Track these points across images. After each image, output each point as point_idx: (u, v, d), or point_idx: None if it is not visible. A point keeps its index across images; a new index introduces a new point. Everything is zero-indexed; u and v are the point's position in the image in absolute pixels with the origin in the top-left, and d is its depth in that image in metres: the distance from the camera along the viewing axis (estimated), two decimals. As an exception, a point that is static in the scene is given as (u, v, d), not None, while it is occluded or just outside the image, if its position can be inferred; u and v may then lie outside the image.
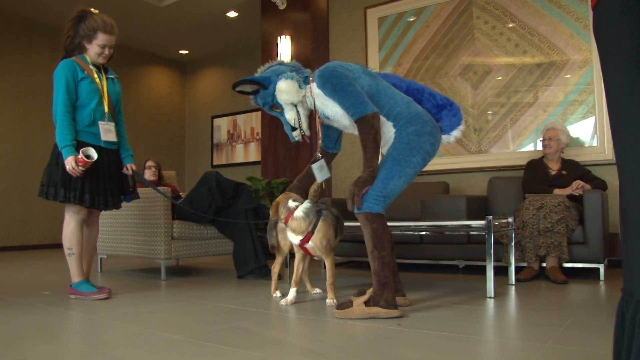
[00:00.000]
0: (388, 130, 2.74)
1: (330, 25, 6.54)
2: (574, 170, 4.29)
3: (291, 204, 2.89)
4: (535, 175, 4.36)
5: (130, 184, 3.55)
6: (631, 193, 1.00)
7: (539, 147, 4.83)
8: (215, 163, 9.60)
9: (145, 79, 9.65)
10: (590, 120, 4.78)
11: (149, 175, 4.90)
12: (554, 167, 4.37)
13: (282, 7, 6.60)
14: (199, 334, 2.26)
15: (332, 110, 2.79)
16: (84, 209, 3.29)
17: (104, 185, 3.31)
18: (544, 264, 3.88)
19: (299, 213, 2.85)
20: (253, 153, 9.07)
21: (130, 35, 8.67)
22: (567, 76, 4.90)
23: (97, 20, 3.26)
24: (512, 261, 3.65)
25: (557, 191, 4.13)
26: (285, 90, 2.78)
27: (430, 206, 4.37)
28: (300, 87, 2.82)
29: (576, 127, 4.83)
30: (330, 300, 2.94)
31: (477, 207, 4.51)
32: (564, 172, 4.29)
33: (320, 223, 2.84)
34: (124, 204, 3.64)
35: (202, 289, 3.68)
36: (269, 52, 6.70)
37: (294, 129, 2.89)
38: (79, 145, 3.15)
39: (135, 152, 3.66)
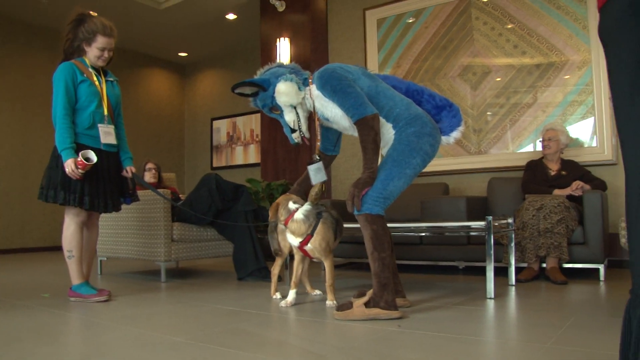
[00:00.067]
0: (387, 132, 2.75)
1: (329, 27, 6.55)
2: (573, 170, 4.29)
3: (291, 205, 2.89)
4: (535, 176, 4.37)
5: (130, 186, 3.55)
6: (637, 194, 1.00)
7: (539, 147, 4.83)
8: (214, 165, 9.60)
9: (144, 81, 9.65)
10: (590, 121, 4.78)
11: (149, 177, 4.90)
12: (553, 167, 4.37)
13: (281, 9, 6.61)
14: (199, 336, 2.26)
15: (332, 112, 2.79)
16: (84, 212, 3.29)
17: (104, 188, 3.31)
18: (544, 265, 3.88)
19: (299, 215, 2.85)
20: (252, 155, 9.07)
21: (130, 38, 8.67)
22: (566, 77, 4.90)
23: (96, 23, 3.26)
24: (512, 262, 3.65)
25: (556, 192, 4.13)
26: (284, 92, 2.78)
27: (430, 207, 4.37)
28: (299, 89, 2.82)
29: (575, 128, 4.84)
30: (330, 302, 2.94)
31: (477, 208, 4.51)
32: (563, 172, 4.29)
33: (319, 225, 2.84)
34: (123, 206, 3.64)
35: (202, 291, 3.67)
36: (268, 54, 6.70)
37: (293, 130, 2.89)
38: (78, 147, 3.15)
39: (134, 154, 3.66)
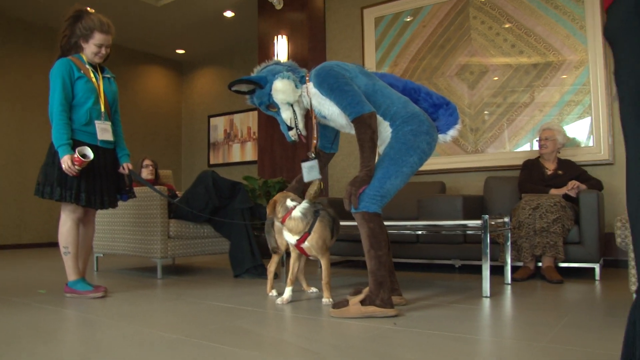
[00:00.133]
0: (385, 130, 2.75)
1: (327, 25, 6.55)
2: (570, 170, 4.30)
3: (289, 203, 2.89)
4: (531, 175, 4.37)
5: (127, 183, 3.55)
6: (638, 194, 1.00)
7: (535, 147, 4.84)
8: (211, 162, 9.59)
9: (142, 78, 9.63)
10: (587, 121, 4.79)
11: (146, 174, 4.90)
12: (550, 167, 4.38)
13: (278, 7, 6.60)
14: (195, 333, 2.26)
15: (329, 110, 2.79)
16: (80, 208, 3.29)
17: (100, 185, 3.31)
18: (540, 264, 3.89)
19: (296, 213, 2.85)
20: (250, 152, 9.06)
21: (127, 35, 8.65)
22: (564, 76, 4.91)
23: (93, 19, 3.25)
24: (508, 261, 3.66)
25: (553, 191, 4.14)
26: (281, 89, 2.78)
27: (427, 206, 4.38)
28: (296, 86, 2.82)
29: (572, 128, 4.85)
30: (326, 300, 2.94)
31: (474, 206, 4.52)
32: (560, 172, 4.30)
33: (317, 224, 2.85)
34: (120, 203, 3.64)
35: (198, 288, 3.67)
36: (266, 51, 6.70)
37: (290, 128, 2.90)
38: (75, 144, 3.15)
39: (131, 151, 3.65)
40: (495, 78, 5.25)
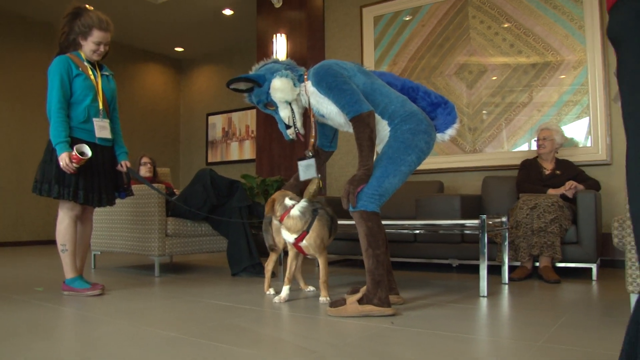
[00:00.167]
0: (383, 129, 2.75)
1: (326, 24, 6.54)
2: (568, 170, 4.30)
3: (288, 202, 2.89)
4: (529, 175, 4.38)
5: (125, 180, 3.54)
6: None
7: (534, 147, 4.84)
8: (210, 160, 9.59)
9: (140, 76, 9.62)
10: (585, 121, 4.80)
11: (144, 171, 4.89)
12: (548, 167, 4.39)
13: (277, 5, 6.60)
14: (193, 331, 2.26)
15: (327, 109, 2.79)
16: (78, 206, 3.28)
17: (98, 182, 3.30)
18: (537, 264, 3.90)
19: (295, 212, 2.85)
20: (248, 151, 9.06)
21: (126, 32, 8.64)
22: (562, 76, 4.91)
23: (92, 17, 3.24)
24: (506, 260, 3.66)
25: (550, 191, 4.15)
26: (279, 88, 2.78)
27: (425, 205, 4.38)
28: (294, 85, 2.82)
29: (570, 128, 4.85)
30: (323, 298, 2.94)
31: (471, 206, 4.53)
32: (558, 172, 4.31)
33: (315, 222, 2.85)
34: (118, 200, 3.63)
35: (195, 286, 3.67)
36: (265, 50, 6.70)
37: (288, 127, 2.90)
38: (73, 141, 3.14)
39: (130, 149, 3.65)
40: (494, 77, 5.26)
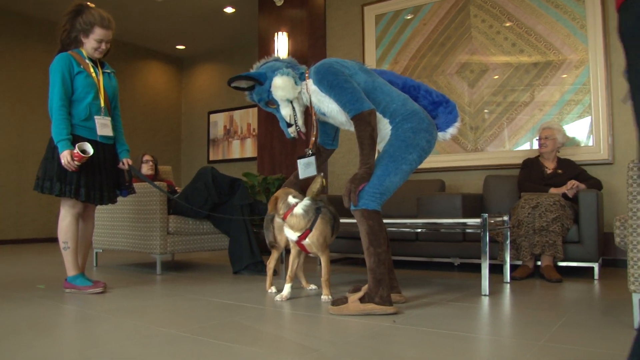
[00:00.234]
0: (384, 127, 2.75)
1: (327, 22, 6.54)
2: (569, 169, 4.30)
3: (291, 200, 2.89)
4: (531, 174, 4.37)
5: (127, 178, 3.54)
6: None
7: (535, 146, 4.84)
8: (211, 159, 9.59)
9: (141, 74, 9.62)
10: (586, 120, 4.79)
11: (146, 169, 4.89)
12: (549, 166, 4.38)
13: (279, 3, 6.59)
14: (194, 328, 2.27)
15: (328, 107, 2.79)
16: (80, 203, 3.28)
17: (100, 180, 3.30)
18: (539, 263, 3.89)
19: (298, 210, 2.85)
20: (249, 149, 9.06)
21: (127, 30, 8.64)
22: (564, 76, 4.91)
23: (94, 14, 3.24)
24: (507, 259, 3.66)
25: (552, 190, 4.14)
26: (280, 86, 2.78)
27: (426, 204, 4.38)
28: (296, 83, 2.82)
29: (572, 127, 4.85)
30: (325, 297, 2.94)
31: (473, 205, 4.52)
32: (559, 171, 4.30)
33: (318, 221, 2.84)
34: (119, 198, 3.64)
35: (197, 284, 3.68)
36: (266, 48, 6.69)
37: (289, 125, 2.89)
38: (75, 139, 3.15)
39: (131, 147, 3.65)
40: (496, 77, 5.25)
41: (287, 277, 3.05)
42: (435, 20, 5.64)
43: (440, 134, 2.88)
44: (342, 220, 3.27)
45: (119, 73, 3.84)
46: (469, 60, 5.41)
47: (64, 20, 3.29)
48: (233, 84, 2.88)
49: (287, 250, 3.23)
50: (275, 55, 5.62)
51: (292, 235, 2.90)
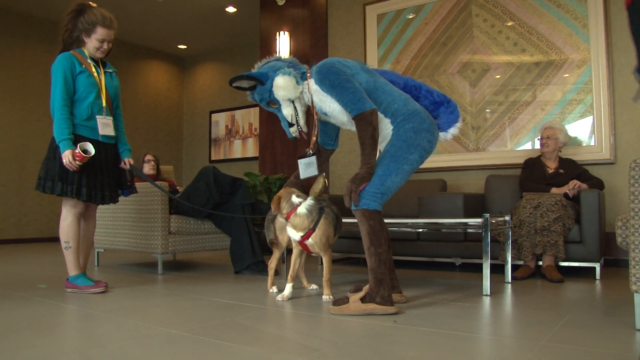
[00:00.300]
0: (385, 127, 2.75)
1: (329, 22, 6.54)
2: (571, 169, 4.29)
3: (295, 199, 2.88)
4: (532, 174, 4.37)
5: (128, 178, 3.55)
6: None
7: (537, 145, 4.84)
8: (213, 158, 9.60)
9: (143, 73, 9.63)
10: (588, 120, 4.78)
11: (147, 169, 4.89)
12: (551, 165, 4.38)
13: (281, 2, 6.59)
14: (195, 328, 2.27)
15: (330, 107, 2.79)
16: (81, 203, 3.29)
17: (102, 180, 3.31)
18: (541, 263, 3.89)
19: (302, 210, 2.84)
20: (251, 149, 9.07)
21: (129, 30, 8.65)
22: (566, 75, 4.90)
23: (96, 14, 3.24)
24: (509, 259, 3.66)
25: (554, 190, 4.14)
26: (282, 86, 2.77)
27: (428, 203, 4.37)
28: (297, 83, 2.81)
29: (574, 126, 4.84)
30: (326, 297, 2.94)
31: (475, 204, 4.52)
32: (561, 170, 4.30)
33: (321, 221, 2.84)
34: (121, 198, 3.64)
35: (198, 283, 3.68)
36: (268, 47, 6.69)
37: (291, 125, 2.89)
38: (76, 139, 3.15)
39: (133, 146, 3.65)
40: (497, 76, 5.24)
41: (289, 277, 3.05)
42: (437, 19, 5.63)
43: (441, 134, 2.88)
44: (343, 220, 3.27)
45: (120, 73, 3.84)
46: (470, 59, 5.40)
47: (66, 19, 3.29)
48: (234, 84, 2.88)
49: (289, 250, 3.23)
50: (277, 54, 5.62)
51: (295, 235, 2.90)
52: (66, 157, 3.05)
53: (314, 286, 3.35)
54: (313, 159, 2.99)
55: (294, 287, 3.05)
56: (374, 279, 2.55)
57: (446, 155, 5.49)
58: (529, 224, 3.83)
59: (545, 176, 4.32)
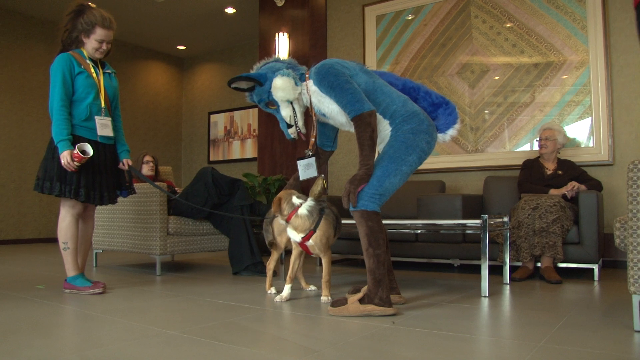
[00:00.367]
0: (384, 129, 2.75)
1: (328, 23, 6.54)
2: (569, 170, 4.30)
3: (295, 201, 2.88)
4: (531, 175, 4.37)
5: (127, 179, 3.55)
6: None
7: (535, 147, 4.84)
8: (211, 159, 9.59)
9: (142, 74, 9.62)
10: (587, 121, 4.79)
11: (146, 170, 4.89)
12: (550, 167, 4.38)
13: (280, 3, 6.60)
14: (193, 329, 2.26)
15: (329, 108, 2.78)
16: (80, 204, 3.29)
17: (100, 180, 3.30)
18: (539, 264, 3.89)
19: (303, 211, 2.84)
20: (250, 149, 9.06)
21: (128, 30, 8.64)
22: (564, 77, 4.91)
23: (95, 14, 3.24)
24: (507, 260, 3.66)
25: (552, 191, 4.14)
26: (281, 87, 2.77)
27: (426, 205, 4.38)
28: (296, 84, 2.81)
29: (572, 128, 4.84)
30: (325, 298, 2.94)
31: (473, 206, 4.52)
32: (559, 172, 4.30)
33: (322, 222, 2.84)
34: (120, 199, 3.64)
35: (197, 284, 3.68)
36: (267, 48, 6.69)
37: (289, 126, 2.89)
38: (75, 139, 3.15)
39: (131, 147, 3.66)
40: (496, 77, 5.25)
41: (287, 278, 3.04)
42: (435, 21, 5.64)
43: (440, 136, 2.88)
44: (342, 222, 3.27)
45: (119, 73, 3.84)
46: (469, 61, 5.41)
47: (65, 20, 3.29)
48: (233, 85, 2.88)
49: (287, 251, 3.23)
50: (276, 56, 5.64)
51: (295, 236, 2.89)
52: (64, 157, 3.05)
53: (312, 287, 3.35)
54: (312, 160, 2.99)
55: (292, 288, 3.05)
56: (373, 280, 2.55)
57: (445, 156, 5.49)
58: (527, 225, 3.83)
59: (544, 177, 4.32)
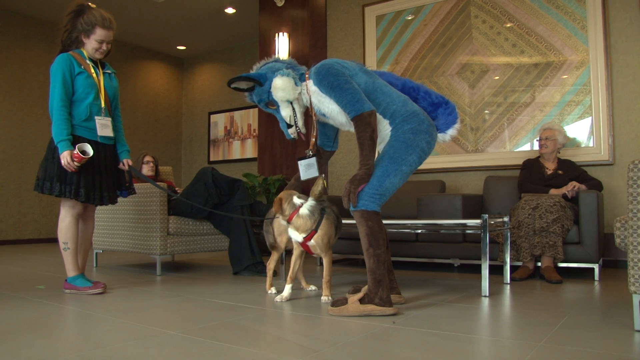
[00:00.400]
0: (384, 128, 2.75)
1: (328, 23, 6.54)
2: (570, 170, 4.30)
3: (296, 201, 2.88)
4: (531, 175, 4.37)
5: (127, 179, 3.54)
6: None
7: (536, 146, 4.84)
8: (211, 159, 9.59)
9: (142, 74, 9.62)
10: (587, 121, 4.79)
11: (146, 170, 4.89)
12: (550, 167, 4.38)
13: (280, 3, 6.60)
14: (194, 329, 2.26)
15: (329, 108, 2.78)
16: (80, 204, 3.28)
17: (100, 180, 3.30)
18: (539, 264, 3.89)
19: (304, 211, 2.84)
20: (250, 149, 9.06)
21: (128, 31, 8.64)
22: (564, 77, 4.91)
23: (95, 15, 3.24)
24: (507, 260, 3.66)
25: (552, 191, 4.14)
26: (281, 87, 2.77)
27: (426, 204, 4.38)
28: (296, 84, 2.81)
29: (573, 128, 4.84)
30: (325, 297, 2.94)
31: (473, 206, 4.52)
32: (560, 172, 4.30)
33: (323, 221, 2.84)
34: (120, 199, 3.63)
35: (197, 284, 3.68)
36: (267, 48, 6.69)
37: (289, 126, 2.89)
38: (75, 140, 3.15)
39: (131, 147, 3.65)
40: (496, 77, 5.25)
41: (288, 278, 3.04)
42: (435, 21, 5.64)
43: (439, 136, 2.88)
44: (342, 222, 3.27)
45: (119, 73, 3.84)
46: (469, 61, 5.41)
47: (65, 20, 3.29)
48: (233, 85, 2.88)
49: (287, 251, 3.22)
50: (276, 56, 5.63)
51: (297, 236, 2.89)
52: (64, 158, 3.05)
53: (312, 287, 3.35)
54: (313, 160, 2.99)
55: (292, 289, 3.05)
56: (373, 279, 2.55)
57: (445, 156, 5.49)
58: (527, 225, 3.83)
59: (544, 177, 4.32)
